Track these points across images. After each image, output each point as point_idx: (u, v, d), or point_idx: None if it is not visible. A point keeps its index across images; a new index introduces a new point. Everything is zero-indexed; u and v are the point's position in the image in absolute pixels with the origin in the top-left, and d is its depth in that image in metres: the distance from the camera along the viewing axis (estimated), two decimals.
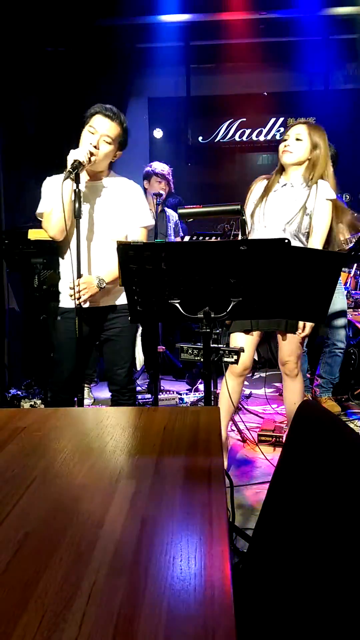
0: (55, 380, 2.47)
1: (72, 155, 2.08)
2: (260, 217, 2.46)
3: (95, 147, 2.16)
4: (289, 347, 2.51)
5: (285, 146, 2.41)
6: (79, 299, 2.16)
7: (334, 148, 3.28)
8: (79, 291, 2.16)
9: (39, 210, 2.33)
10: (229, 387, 2.53)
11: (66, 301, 2.35)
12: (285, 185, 2.47)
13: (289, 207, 2.42)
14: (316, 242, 2.45)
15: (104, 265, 2.30)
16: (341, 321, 3.43)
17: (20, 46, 4.50)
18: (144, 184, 3.99)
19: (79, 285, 2.15)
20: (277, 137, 5.18)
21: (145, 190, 3.90)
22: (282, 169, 2.50)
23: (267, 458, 2.80)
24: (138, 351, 4.79)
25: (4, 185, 4.29)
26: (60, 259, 2.43)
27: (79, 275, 2.17)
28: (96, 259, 2.32)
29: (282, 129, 5.23)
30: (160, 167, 3.94)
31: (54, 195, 2.17)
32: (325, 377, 3.53)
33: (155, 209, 3.63)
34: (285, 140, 2.43)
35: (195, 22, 4.90)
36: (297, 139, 2.40)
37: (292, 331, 2.47)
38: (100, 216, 2.31)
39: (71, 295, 2.17)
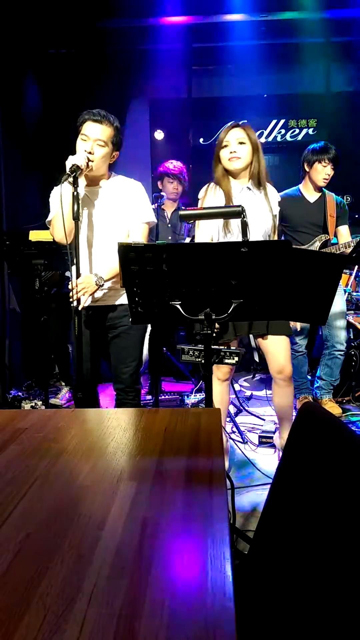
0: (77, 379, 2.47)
1: (71, 160, 2.12)
2: (232, 224, 2.40)
3: (90, 152, 2.21)
4: (284, 351, 2.46)
5: (231, 153, 2.37)
6: (78, 300, 2.18)
7: (335, 150, 3.29)
8: (78, 292, 2.18)
9: (47, 219, 2.39)
10: (217, 393, 2.53)
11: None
12: (242, 190, 2.44)
13: (258, 211, 2.42)
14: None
15: (107, 265, 2.33)
16: (341, 323, 3.43)
17: (23, 48, 4.51)
18: (158, 184, 3.98)
19: (77, 286, 2.16)
20: (279, 139, 5.17)
21: (160, 191, 3.89)
22: (226, 176, 2.45)
23: (267, 460, 2.80)
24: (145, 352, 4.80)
25: (5, 186, 4.30)
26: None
27: (78, 276, 2.18)
28: (102, 260, 2.34)
29: (283, 131, 5.23)
30: (172, 165, 3.89)
31: (56, 201, 2.23)
32: (325, 379, 3.53)
33: (157, 209, 3.62)
34: (226, 146, 2.39)
35: (196, 24, 4.90)
36: (241, 143, 2.37)
37: (277, 333, 2.44)
38: (103, 218, 2.34)
39: (71, 297, 2.19)
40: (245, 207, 2.39)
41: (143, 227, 2.37)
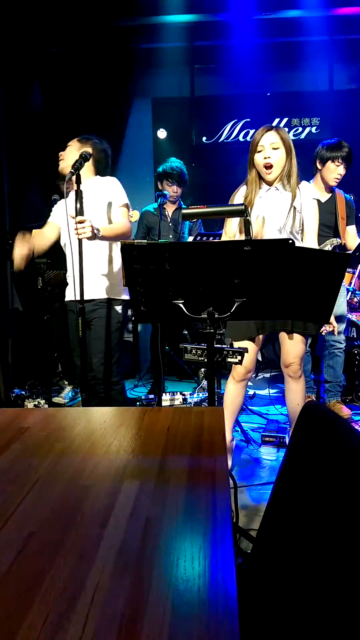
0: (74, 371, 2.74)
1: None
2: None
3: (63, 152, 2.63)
4: (295, 348, 2.50)
5: (265, 158, 2.37)
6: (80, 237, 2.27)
7: (349, 148, 3.21)
8: (77, 223, 2.26)
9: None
10: (230, 392, 2.53)
11: (68, 295, 2.65)
12: (269, 189, 2.45)
13: (280, 210, 2.42)
14: (312, 240, 2.50)
15: (99, 254, 2.56)
16: (341, 321, 3.41)
17: (25, 48, 4.51)
18: (159, 185, 3.94)
19: (79, 221, 2.24)
20: None
21: (161, 191, 3.85)
22: (258, 179, 2.46)
23: (270, 459, 2.80)
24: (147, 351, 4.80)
25: (8, 185, 4.30)
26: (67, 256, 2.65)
27: (81, 273, 2.27)
28: (90, 250, 2.50)
29: (285, 129, 5.22)
30: (170, 168, 3.81)
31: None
32: (331, 380, 3.50)
33: (160, 209, 3.62)
34: (260, 151, 2.39)
35: (199, 23, 4.89)
36: (275, 148, 2.38)
37: (297, 331, 2.47)
38: (88, 212, 2.47)
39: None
40: (267, 205, 2.43)
41: (122, 210, 2.60)
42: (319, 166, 3.23)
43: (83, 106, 4.80)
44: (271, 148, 2.37)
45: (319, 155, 3.22)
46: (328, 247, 3.23)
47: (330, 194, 3.31)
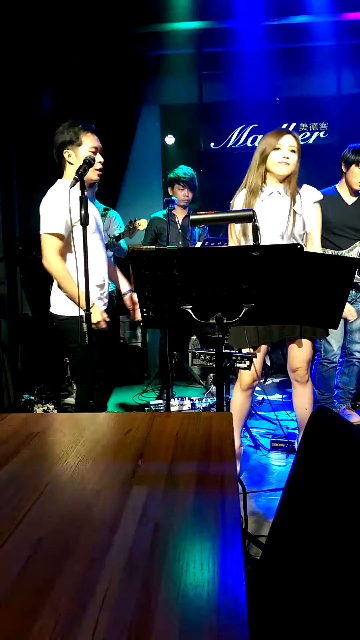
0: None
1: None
2: (248, 229, 2.42)
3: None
4: (301, 353, 2.49)
5: (283, 157, 2.40)
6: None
7: None
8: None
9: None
10: (237, 401, 2.53)
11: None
12: (272, 193, 2.46)
13: (281, 214, 2.43)
14: (317, 244, 2.52)
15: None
16: (359, 332, 3.36)
17: (35, 55, 4.56)
18: (168, 190, 3.97)
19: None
20: None
21: (170, 196, 3.87)
22: (263, 178, 2.47)
23: (279, 465, 2.78)
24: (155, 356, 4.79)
25: (18, 191, 4.34)
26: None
27: (86, 281, 2.20)
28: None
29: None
30: (182, 172, 3.86)
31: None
32: (343, 387, 3.47)
33: (169, 215, 3.63)
34: (278, 149, 2.41)
35: (206, 29, 4.92)
36: (292, 150, 2.41)
37: (305, 337, 2.46)
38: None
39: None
40: (265, 211, 2.43)
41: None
42: (344, 169, 3.15)
43: (92, 113, 4.82)
44: (289, 150, 2.40)
45: (345, 158, 3.13)
46: (358, 248, 3.17)
47: (356, 198, 3.24)
